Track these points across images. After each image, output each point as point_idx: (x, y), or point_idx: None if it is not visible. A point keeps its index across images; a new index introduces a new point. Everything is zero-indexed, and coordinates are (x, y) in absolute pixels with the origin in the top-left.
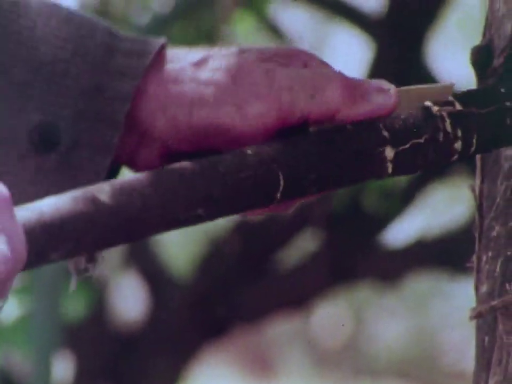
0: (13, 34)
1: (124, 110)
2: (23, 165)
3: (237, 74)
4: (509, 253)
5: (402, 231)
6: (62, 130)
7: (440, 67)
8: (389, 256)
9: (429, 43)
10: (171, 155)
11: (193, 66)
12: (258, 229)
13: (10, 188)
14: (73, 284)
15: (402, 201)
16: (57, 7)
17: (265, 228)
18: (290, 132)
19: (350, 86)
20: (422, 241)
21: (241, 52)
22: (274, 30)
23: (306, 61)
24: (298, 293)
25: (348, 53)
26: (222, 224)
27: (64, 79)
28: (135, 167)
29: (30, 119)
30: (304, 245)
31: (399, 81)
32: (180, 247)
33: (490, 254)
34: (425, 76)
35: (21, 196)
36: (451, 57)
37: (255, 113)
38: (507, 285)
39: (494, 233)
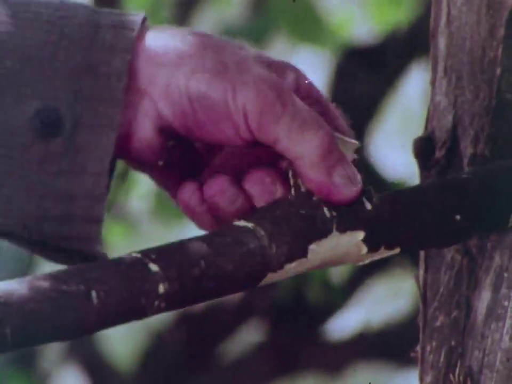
0: None
1: (121, 85)
2: (29, 154)
3: (241, 60)
4: (453, 343)
5: (345, 323)
6: (62, 113)
7: (382, 159)
8: (332, 348)
9: (371, 135)
10: (166, 133)
11: (189, 32)
12: (202, 321)
13: (16, 179)
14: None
15: (345, 293)
16: None
17: (208, 319)
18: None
19: (331, 146)
20: (365, 333)
21: (239, 46)
22: None
23: (297, 80)
24: None
25: None
26: (164, 316)
27: (54, 61)
28: (131, 149)
29: (28, 108)
30: (247, 337)
31: None
32: (122, 339)
33: (434, 344)
34: (368, 168)
35: (28, 186)
36: (393, 148)
37: (244, 99)
38: (451, 375)
39: (438, 323)
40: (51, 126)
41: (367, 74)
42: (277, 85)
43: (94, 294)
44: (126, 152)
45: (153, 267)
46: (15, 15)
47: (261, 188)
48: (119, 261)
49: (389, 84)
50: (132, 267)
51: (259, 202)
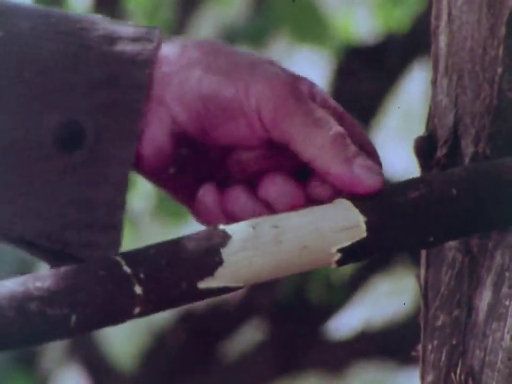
0: (14, 37)
1: (142, 98)
2: (49, 167)
3: (254, 61)
4: (454, 342)
5: (347, 322)
6: (84, 126)
7: (384, 158)
8: (333, 347)
9: (372, 134)
10: (179, 137)
11: (206, 43)
12: (203, 320)
13: (38, 188)
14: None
15: (346, 292)
16: (49, 10)
17: (209, 319)
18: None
19: (342, 144)
20: (366, 332)
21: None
22: None
23: (312, 89)
24: None
25: None
26: (165, 316)
27: (75, 74)
28: (144, 153)
29: (50, 120)
30: (249, 336)
31: None
32: (123, 338)
33: (435, 343)
34: None
35: (50, 195)
36: (394, 147)
37: (258, 99)
38: (452, 374)
39: (439, 323)
40: (73, 138)
41: (368, 73)
42: (290, 82)
43: (73, 318)
44: (139, 159)
45: (138, 289)
46: (35, 27)
47: (277, 191)
48: (105, 279)
49: (390, 83)
50: (118, 287)
51: (278, 206)
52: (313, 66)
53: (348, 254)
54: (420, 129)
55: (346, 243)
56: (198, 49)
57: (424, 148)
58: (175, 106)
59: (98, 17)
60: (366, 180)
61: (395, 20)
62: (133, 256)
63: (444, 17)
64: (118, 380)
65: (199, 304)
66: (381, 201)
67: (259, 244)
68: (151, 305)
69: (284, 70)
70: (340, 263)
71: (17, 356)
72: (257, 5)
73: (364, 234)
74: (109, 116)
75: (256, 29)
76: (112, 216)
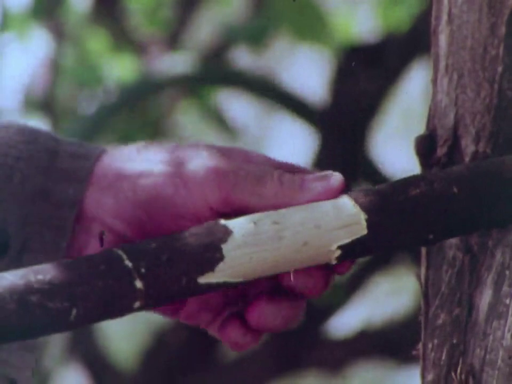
0: None
1: (71, 216)
2: None
3: (183, 153)
4: (454, 341)
5: (347, 321)
6: (11, 235)
7: (384, 157)
8: (333, 346)
9: (372, 133)
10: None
11: (138, 150)
12: None
13: None
14: None
15: (346, 291)
16: None
17: None
18: None
19: (289, 179)
20: (366, 331)
21: (183, 147)
22: (219, 120)
23: (246, 156)
24: (243, 383)
25: (293, 143)
26: None
27: (9, 184)
28: None
29: None
30: None
31: (342, 171)
32: (123, 338)
33: (436, 341)
34: (369, 166)
35: None
36: (394, 147)
37: (199, 187)
38: (453, 373)
39: (440, 321)
40: (0, 245)
41: (368, 72)
42: (224, 160)
43: (74, 311)
44: None
45: (138, 284)
46: None
47: (265, 319)
48: (106, 273)
49: (390, 82)
50: (119, 281)
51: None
52: (313, 66)
53: (348, 250)
54: (420, 129)
55: (347, 240)
56: (126, 162)
57: (425, 147)
58: (111, 220)
59: (42, 130)
60: (324, 190)
61: (395, 19)
62: (134, 250)
63: (444, 16)
64: (118, 379)
65: None
66: (382, 199)
67: (260, 240)
68: (151, 300)
69: (208, 149)
70: (340, 259)
71: None
72: (257, 4)
73: (364, 232)
74: (37, 229)
75: (256, 29)
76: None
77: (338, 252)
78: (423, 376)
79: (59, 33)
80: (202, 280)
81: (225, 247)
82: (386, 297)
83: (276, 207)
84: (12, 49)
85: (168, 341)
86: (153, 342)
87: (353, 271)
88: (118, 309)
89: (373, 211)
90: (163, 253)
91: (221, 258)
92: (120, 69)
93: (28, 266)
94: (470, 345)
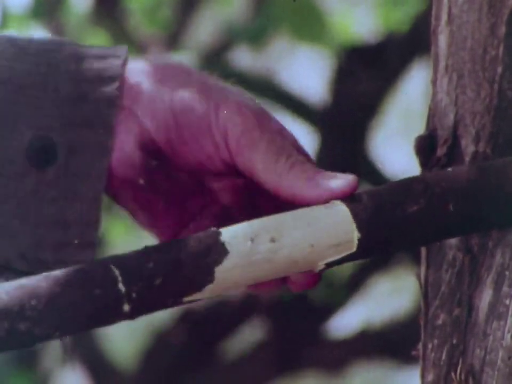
0: None
1: (113, 113)
2: (23, 183)
3: (226, 86)
4: (454, 341)
5: (347, 321)
6: (56, 142)
7: (384, 157)
8: (333, 346)
9: (372, 133)
10: (149, 151)
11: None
12: (203, 319)
13: (11, 208)
14: None
15: (346, 291)
16: (16, 36)
17: (210, 318)
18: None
19: (301, 169)
20: (366, 331)
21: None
22: None
23: (279, 127)
24: (244, 383)
25: None
26: (166, 314)
27: (44, 91)
28: (112, 165)
29: (22, 137)
30: (249, 335)
31: (342, 171)
32: (123, 338)
33: (436, 342)
34: (369, 166)
35: (23, 215)
36: (394, 147)
37: (226, 121)
38: (453, 373)
39: (440, 321)
40: (45, 154)
41: (368, 73)
42: (259, 112)
43: (57, 333)
44: (109, 170)
45: (126, 307)
46: (4, 50)
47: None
48: (99, 299)
49: (390, 82)
50: (108, 306)
51: None
52: (313, 66)
53: (332, 265)
54: (420, 129)
55: (335, 257)
56: (170, 67)
57: (425, 147)
58: (144, 117)
59: (65, 40)
60: (342, 187)
61: (395, 20)
62: (130, 272)
63: (444, 16)
64: (118, 379)
65: (199, 304)
66: (379, 216)
67: (253, 261)
68: (133, 318)
69: (253, 101)
70: (321, 271)
71: (18, 355)
72: (257, 4)
73: (354, 250)
74: (80, 131)
75: (256, 29)
76: (87, 234)
77: (323, 266)
78: (423, 376)
79: (59, 33)
80: (188, 298)
81: (218, 269)
82: (386, 298)
83: (273, 187)
84: None
85: (168, 341)
86: (153, 342)
87: (353, 271)
88: (99, 326)
89: (367, 229)
90: (157, 276)
91: (211, 280)
92: None
93: (75, 171)
94: (470, 346)
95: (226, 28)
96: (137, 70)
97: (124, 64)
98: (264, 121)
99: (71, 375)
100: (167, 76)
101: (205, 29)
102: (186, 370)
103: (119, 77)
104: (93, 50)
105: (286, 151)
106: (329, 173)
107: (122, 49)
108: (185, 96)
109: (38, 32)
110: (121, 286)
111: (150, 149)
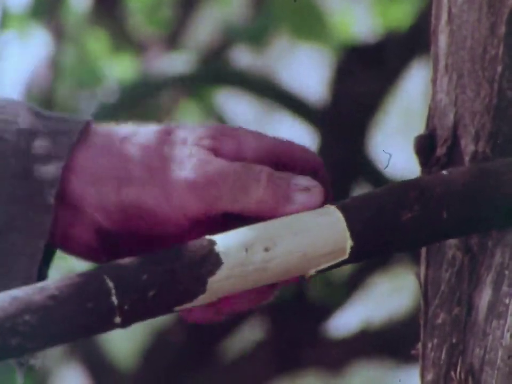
0: None
1: (53, 192)
2: None
3: (166, 154)
4: (454, 341)
5: (346, 320)
6: None
7: (384, 157)
8: (333, 345)
9: (372, 133)
10: (106, 234)
11: (121, 140)
12: None
13: None
14: (19, 377)
15: (346, 291)
16: None
17: None
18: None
19: (274, 186)
20: (366, 330)
21: (172, 130)
22: (219, 120)
23: (238, 143)
24: (243, 382)
25: None
26: (165, 315)
27: None
28: (70, 247)
29: None
30: (248, 334)
31: (342, 171)
32: (123, 337)
33: (435, 341)
34: (369, 166)
35: None
36: (394, 146)
37: (180, 200)
38: (452, 372)
39: (439, 321)
40: None
41: (368, 72)
42: (206, 169)
43: (48, 346)
44: (69, 250)
45: (117, 319)
46: None
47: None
48: (91, 312)
49: (390, 82)
50: (100, 320)
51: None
52: (313, 65)
53: (323, 271)
54: (420, 128)
55: (327, 265)
56: (108, 156)
57: (424, 146)
58: (96, 215)
59: (25, 105)
60: (307, 204)
61: (395, 19)
62: (124, 283)
63: (444, 16)
64: (118, 379)
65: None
66: (373, 222)
67: (246, 271)
68: (124, 327)
69: (193, 150)
70: (312, 276)
71: None
72: (257, 4)
73: (345, 257)
74: (20, 208)
75: (256, 29)
76: None
77: (314, 273)
78: (422, 376)
79: (59, 33)
80: (178, 308)
81: (211, 280)
82: (386, 297)
83: (257, 215)
84: (12, 49)
85: (168, 340)
86: (153, 341)
87: (352, 270)
88: (89, 335)
89: (360, 238)
90: (151, 288)
91: (204, 291)
92: (120, 69)
93: (10, 248)
94: (470, 345)
95: (226, 28)
96: (82, 165)
97: (79, 142)
98: (215, 174)
99: (71, 375)
100: (108, 170)
101: (204, 28)
102: (185, 369)
103: (64, 158)
104: (48, 123)
105: (252, 178)
106: (303, 183)
107: (81, 124)
108: (130, 193)
109: (38, 32)
110: (114, 299)
111: (109, 235)
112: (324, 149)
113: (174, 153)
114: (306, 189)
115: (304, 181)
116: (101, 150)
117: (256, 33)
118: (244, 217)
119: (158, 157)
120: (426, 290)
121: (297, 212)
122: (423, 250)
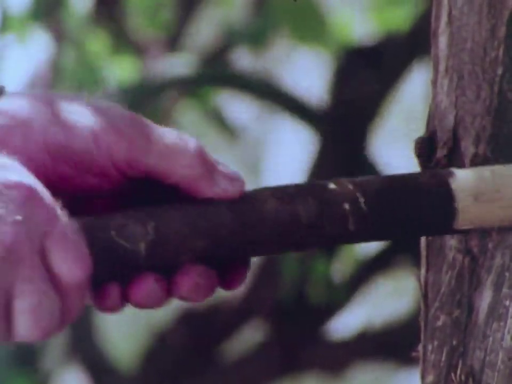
0: None
1: None
2: None
3: (96, 108)
4: (454, 343)
5: (347, 322)
6: None
7: (384, 159)
8: (333, 347)
9: (373, 135)
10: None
11: (47, 100)
12: (204, 320)
13: None
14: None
15: (346, 292)
16: None
17: (210, 318)
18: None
19: (203, 156)
20: (366, 332)
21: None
22: (219, 121)
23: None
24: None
25: (293, 144)
26: (166, 315)
27: None
28: None
29: None
30: (249, 336)
31: (343, 173)
32: (123, 338)
33: (435, 343)
34: (369, 168)
35: None
36: (395, 149)
37: (109, 144)
38: (453, 374)
39: (439, 323)
40: None
41: (368, 74)
42: (133, 118)
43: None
44: None
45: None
46: None
47: (193, 286)
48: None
49: (390, 84)
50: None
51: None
52: (314, 67)
53: None
54: (420, 130)
55: None
56: (36, 101)
57: (425, 148)
58: (17, 155)
59: None
60: (230, 190)
61: (395, 21)
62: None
63: (444, 18)
64: (118, 380)
65: (199, 304)
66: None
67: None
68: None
69: (122, 109)
70: None
71: (18, 355)
72: (257, 5)
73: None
74: None
75: (256, 29)
76: None
77: None
78: (423, 378)
79: (59, 34)
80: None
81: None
82: (387, 299)
83: (180, 181)
84: (12, 50)
85: (168, 341)
86: (153, 342)
87: (353, 272)
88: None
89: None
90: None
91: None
92: (120, 71)
93: None
94: (470, 347)
95: (226, 29)
96: (5, 110)
97: None
98: (143, 126)
99: (71, 375)
100: (35, 112)
101: (205, 30)
102: (186, 370)
103: None
104: None
105: (181, 145)
106: (226, 171)
107: None
108: (58, 134)
109: (38, 33)
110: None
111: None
112: (324, 150)
113: (101, 106)
114: (229, 176)
115: (229, 170)
116: (22, 99)
117: (256, 35)
118: (164, 188)
119: (98, 112)
120: (427, 292)
121: (217, 195)
122: (424, 253)
